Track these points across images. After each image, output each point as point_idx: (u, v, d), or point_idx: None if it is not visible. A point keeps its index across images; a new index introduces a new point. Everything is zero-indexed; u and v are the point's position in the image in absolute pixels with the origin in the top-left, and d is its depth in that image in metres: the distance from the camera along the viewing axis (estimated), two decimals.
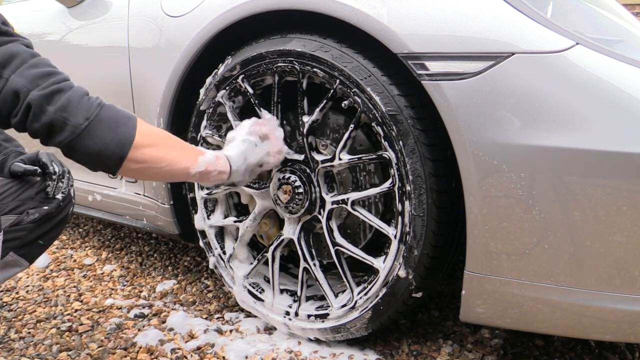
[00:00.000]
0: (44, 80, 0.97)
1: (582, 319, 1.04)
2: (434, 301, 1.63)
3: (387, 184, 1.21)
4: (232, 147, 1.26)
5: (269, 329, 1.49)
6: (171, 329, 1.49)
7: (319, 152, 1.35)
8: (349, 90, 1.19)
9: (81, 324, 1.54)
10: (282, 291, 1.46)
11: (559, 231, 0.99)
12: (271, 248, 1.43)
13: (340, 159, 1.26)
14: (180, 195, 1.60)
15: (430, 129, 1.13)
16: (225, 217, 1.54)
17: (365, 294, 1.27)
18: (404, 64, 1.08)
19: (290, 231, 1.40)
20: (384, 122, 1.15)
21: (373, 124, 1.18)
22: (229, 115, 1.42)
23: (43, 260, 2.00)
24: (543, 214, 1.00)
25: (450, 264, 1.27)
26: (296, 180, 1.33)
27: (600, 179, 0.95)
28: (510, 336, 1.44)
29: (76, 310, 1.64)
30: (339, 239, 1.32)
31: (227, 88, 1.40)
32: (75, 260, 2.05)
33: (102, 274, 1.92)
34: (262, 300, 1.47)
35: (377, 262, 1.25)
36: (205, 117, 1.46)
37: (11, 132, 1.21)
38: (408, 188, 1.15)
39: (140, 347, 1.40)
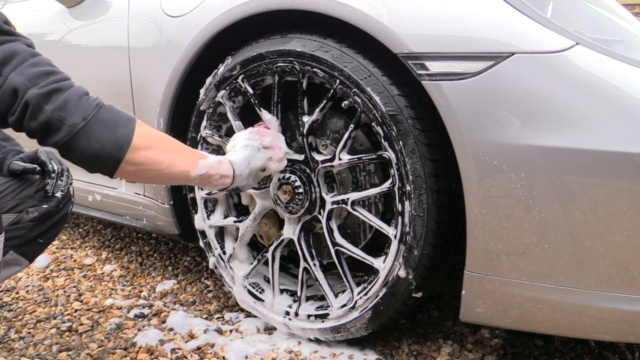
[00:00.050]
0: (43, 79, 0.96)
1: (582, 319, 1.04)
2: (434, 301, 1.63)
3: (387, 184, 1.21)
4: (235, 152, 1.26)
5: (269, 329, 1.49)
6: (171, 329, 1.49)
7: (319, 152, 1.35)
8: (349, 90, 1.19)
9: (81, 324, 1.54)
10: (282, 291, 1.46)
11: (559, 231, 0.99)
12: (271, 248, 1.43)
13: (340, 159, 1.26)
14: (180, 195, 1.60)
15: (430, 129, 1.13)
16: (225, 217, 1.54)
17: (365, 294, 1.27)
18: (404, 64, 1.08)
19: (290, 231, 1.40)
20: (384, 122, 1.15)
21: (373, 124, 1.18)
22: (229, 115, 1.42)
23: (43, 260, 2.00)
24: (543, 214, 1.00)
25: (450, 264, 1.27)
26: (296, 180, 1.33)
27: (600, 179, 0.95)
28: (510, 336, 1.44)
29: (76, 310, 1.63)
30: (339, 239, 1.32)
31: (227, 88, 1.40)
32: (75, 260, 2.05)
33: (102, 274, 1.92)
34: (262, 300, 1.47)
35: (377, 262, 1.25)
36: (205, 117, 1.46)
37: (11, 133, 1.21)
38: (408, 188, 1.15)
39: (140, 347, 1.40)
